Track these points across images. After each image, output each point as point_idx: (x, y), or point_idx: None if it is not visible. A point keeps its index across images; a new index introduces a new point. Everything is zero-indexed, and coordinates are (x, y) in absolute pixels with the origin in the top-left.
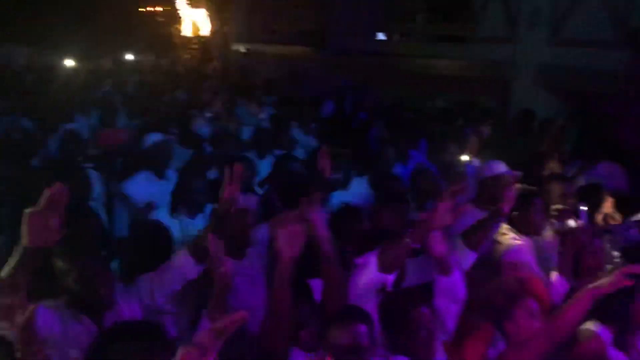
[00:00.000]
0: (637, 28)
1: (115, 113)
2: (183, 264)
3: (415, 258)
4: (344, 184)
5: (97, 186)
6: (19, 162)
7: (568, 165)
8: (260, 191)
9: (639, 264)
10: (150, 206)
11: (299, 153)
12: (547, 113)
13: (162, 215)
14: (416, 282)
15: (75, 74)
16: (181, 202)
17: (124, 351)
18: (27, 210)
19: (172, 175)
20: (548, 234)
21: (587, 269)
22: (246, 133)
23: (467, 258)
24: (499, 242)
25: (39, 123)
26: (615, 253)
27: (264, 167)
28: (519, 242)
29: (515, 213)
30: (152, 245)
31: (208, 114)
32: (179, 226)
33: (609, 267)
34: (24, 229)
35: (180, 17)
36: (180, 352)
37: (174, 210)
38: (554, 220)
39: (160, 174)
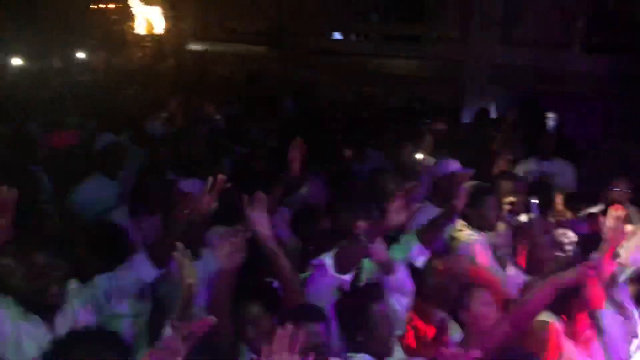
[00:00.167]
0: (584, 29)
1: (65, 113)
2: (140, 267)
3: None
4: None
5: (47, 188)
6: None
7: (519, 162)
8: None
9: (591, 255)
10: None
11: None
12: (499, 111)
13: (119, 216)
14: None
15: (23, 74)
16: (139, 203)
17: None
18: None
19: (125, 176)
20: (502, 228)
21: (540, 263)
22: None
23: (421, 255)
24: (454, 238)
25: None
26: (566, 247)
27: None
28: (474, 237)
29: (469, 209)
30: (109, 246)
31: (163, 114)
32: (136, 228)
33: (559, 260)
34: None
35: (133, 15)
36: (146, 356)
37: (131, 211)
38: (507, 215)
39: (113, 176)
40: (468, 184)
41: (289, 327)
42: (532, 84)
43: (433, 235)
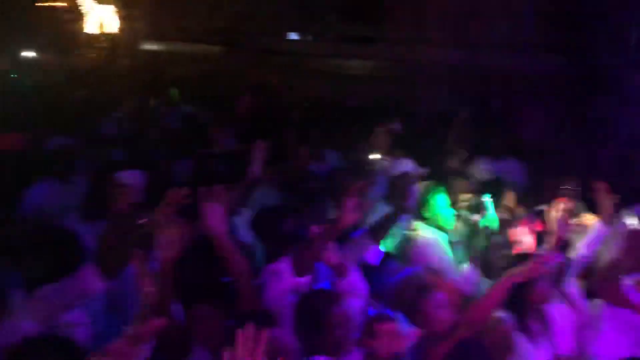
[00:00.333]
0: (531, 30)
1: (12, 115)
2: (88, 278)
3: None
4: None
5: None
6: None
7: (472, 161)
8: None
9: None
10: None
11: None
12: (453, 112)
13: (71, 221)
14: None
15: None
16: (93, 207)
17: None
18: None
19: (78, 179)
20: (457, 227)
21: (492, 260)
22: (158, 134)
23: (375, 253)
24: (410, 237)
25: None
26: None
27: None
28: (429, 236)
29: (424, 208)
30: (58, 254)
31: (117, 115)
32: (91, 233)
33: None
34: None
35: (85, 14)
36: None
37: (85, 216)
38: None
39: (65, 179)
40: (423, 184)
41: (252, 330)
42: (484, 85)
43: (385, 234)
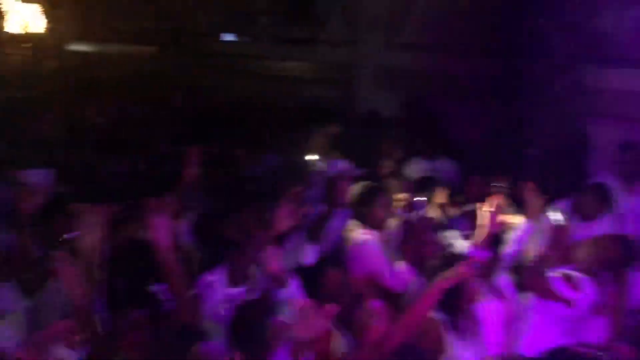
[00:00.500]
0: (460, 33)
1: None
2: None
3: None
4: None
5: None
6: None
7: (407, 162)
8: None
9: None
10: None
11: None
12: (388, 113)
13: None
14: None
15: None
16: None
17: None
18: None
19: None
20: (394, 225)
21: (427, 259)
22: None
23: (311, 252)
24: (347, 238)
25: None
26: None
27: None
28: (366, 236)
29: (361, 209)
30: None
31: (44, 118)
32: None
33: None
34: None
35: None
36: None
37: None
38: (399, 212)
39: None
40: (359, 184)
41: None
42: (415, 86)
43: (321, 232)
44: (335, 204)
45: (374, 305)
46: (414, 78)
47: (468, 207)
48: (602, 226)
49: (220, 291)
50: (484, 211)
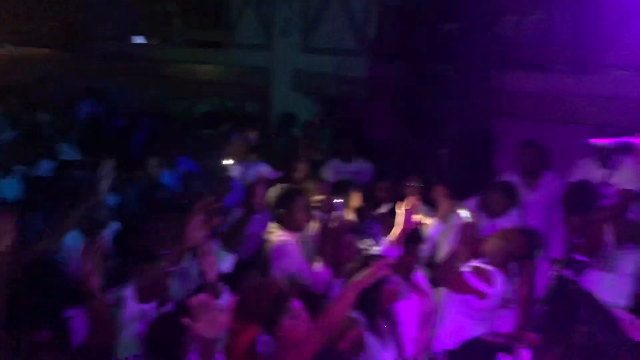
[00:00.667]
0: (373, 38)
1: None
2: None
3: None
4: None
5: None
6: None
7: (324, 164)
8: None
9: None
10: None
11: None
12: (305, 116)
13: None
14: None
15: None
16: None
17: None
18: None
19: None
20: (313, 227)
21: (342, 259)
22: None
23: (227, 260)
24: (267, 240)
25: None
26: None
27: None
28: (285, 238)
29: (280, 211)
30: None
31: None
32: None
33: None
34: None
35: None
36: None
37: None
38: (316, 214)
39: None
40: (278, 187)
41: None
42: (331, 90)
43: (237, 239)
44: (253, 208)
45: (294, 306)
46: (329, 81)
47: (384, 207)
48: (508, 222)
49: (131, 307)
50: (400, 211)
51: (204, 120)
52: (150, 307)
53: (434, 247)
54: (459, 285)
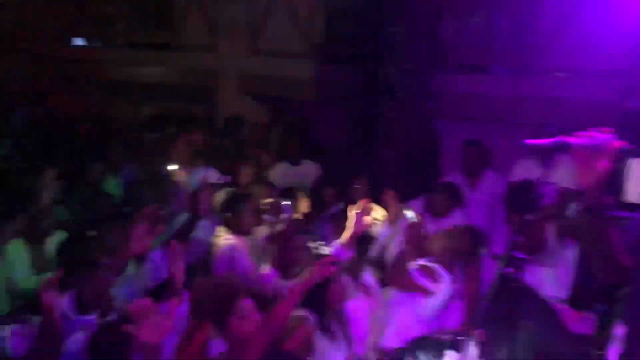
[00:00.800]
0: (320, 40)
1: None
2: None
3: None
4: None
5: None
6: None
7: (272, 167)
8: None
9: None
10: None
11: None
12: (252, 119)
13: None
14: None
15: None
16: None
17: None
18: None
19: None
20: (262, 230)
21: (291, 262)
22: None
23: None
24: (214, 244)
25: None
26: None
27: None
28: (232, 242)
29: (227, 215)
30: None
31: None
32: None
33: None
34: None
35: None
36: None
37: None
38: (265, 217)
39: None
40: (225, 191)
41: None
42: (278, 92)
43: (182, 246)
44: (199, 214)
45: (243, 306)
46: (276, 83)
47: (332, 209)
48: (453, 222)
49: (72, 318)
50: (351, 214)
51: (148, 124)
52: (92, 318)
53: (383, 248)
54: (407, 284)
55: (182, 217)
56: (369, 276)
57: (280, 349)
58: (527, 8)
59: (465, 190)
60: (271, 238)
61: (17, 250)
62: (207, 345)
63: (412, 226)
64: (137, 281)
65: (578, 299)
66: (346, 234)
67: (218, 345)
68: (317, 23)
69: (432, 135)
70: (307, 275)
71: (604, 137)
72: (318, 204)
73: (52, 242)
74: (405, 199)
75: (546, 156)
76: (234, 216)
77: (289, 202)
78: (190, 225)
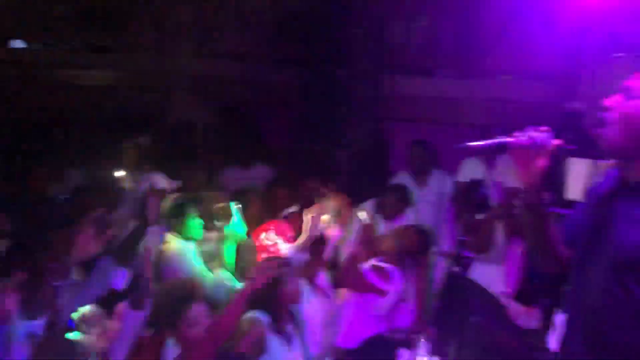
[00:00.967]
0: (271, 42)
1: None
2: None
3: None
4: None
5: None
6: None
7: (222, 171)
8: None
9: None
10: None
11: None
12: (201, 122)
13: None
14: None
15: None
16: None
17: None
18: None
19: None
20: (212, 236)
21: (244, 265)
22: None
23: (120, 275)
24: (163, 251)
25: None
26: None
27: None
28: (181, 246)
29: (174, 221)
30: None
31: None
32: None
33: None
34: None
35: None
36: None
37: None
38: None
39: None
40: (173, 196)
41: None
42: (228, 95)
43: (130, 253)
44: (147, 220)
45: (195, 313)
46: (226, 86)
47: (284, 212)
48: (403, 222)
49: (17, 325)
50: (307, 217)
51: (94, 129)
52: (38, 324)
53: (335, 250)
54: (359, 284)
55: (130, 225)
56: (322, 278)
57: (232, 351)
58: (470, 13)
59: (414, 189)
60: (223, 242)
61: None
62: (161, 352)
63: (364, 227)
64: (84, 288)
65: (524, 294)
66: (302, 237)
67: (173, 351)
68: (267, 25)
69: (382, 137)
70: (254, 276)
71: (541, 136)
72: (270, 207)
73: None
74: (356, 200)
75: (489, 156)
76: (180, 221)
77: (240, 206)
78: (137, 234)
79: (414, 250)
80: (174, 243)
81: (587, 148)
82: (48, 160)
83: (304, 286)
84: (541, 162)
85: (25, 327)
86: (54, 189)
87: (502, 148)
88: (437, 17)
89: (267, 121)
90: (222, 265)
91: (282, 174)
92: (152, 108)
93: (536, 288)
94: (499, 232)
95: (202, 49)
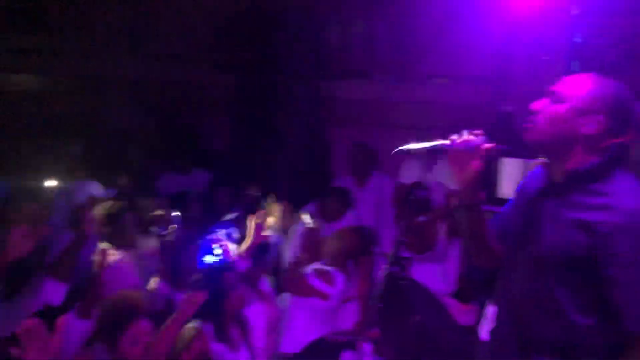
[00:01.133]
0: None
1: None
2: None
3: None
4: None
5: None
6: None
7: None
8: None
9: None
10: None
11: None
12: (137, 127)
13: None
14: None
15: None
16: None
17: None
18: None
19: None
20: (150, 243)
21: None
22: None
23: (57, 291)
24: (97, 262)
25: None
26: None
27: None
28: (117, 257)
29: (109, 229)
30: None
31: None
32: None
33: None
34: None
35: None
36: None
37: None
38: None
39: None
40: (107, 204)
41: None
42: (164, 97)
43: (68, 267)
44: (84, 233)
45: (136, 330)
46: (163, 90)
47: (226, 216)
48: (345, 224)
49: None
50: (250, 223)
51: (24, 135)
52: None
53: (278, 255)
54: (302, 289)
55: (64, 238)
56: (265, 283)
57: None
58: (407, 18)
59: (354, 190)
60: (161, 250)
61: None
62: None
63: (307, 231)
64: (24, 302)
65: (463, 292)
66: (245, 244)
67: None
68: (205, 28)
69: (322, 141)
70: (175, 318)
71: (475, 140)
72: (209, 212)
73: None
74: (298, 204)
75: (429, 158)
76: (115, 230)
77: (179, 212)
78: (74, 247)
79: (355, 252)
80: (109, 253)
81: (519, 148)
82: None
83: (248, 292)
84: (475, 164)
85: None
86: None
87: (439, 150)
88: (374, 21)
89: (204, 125)
90: (160, 273)
91: (221, 178)
92: (85, 112)
93: (474, 285)
94: (441, 233)
95: (136, 51)
